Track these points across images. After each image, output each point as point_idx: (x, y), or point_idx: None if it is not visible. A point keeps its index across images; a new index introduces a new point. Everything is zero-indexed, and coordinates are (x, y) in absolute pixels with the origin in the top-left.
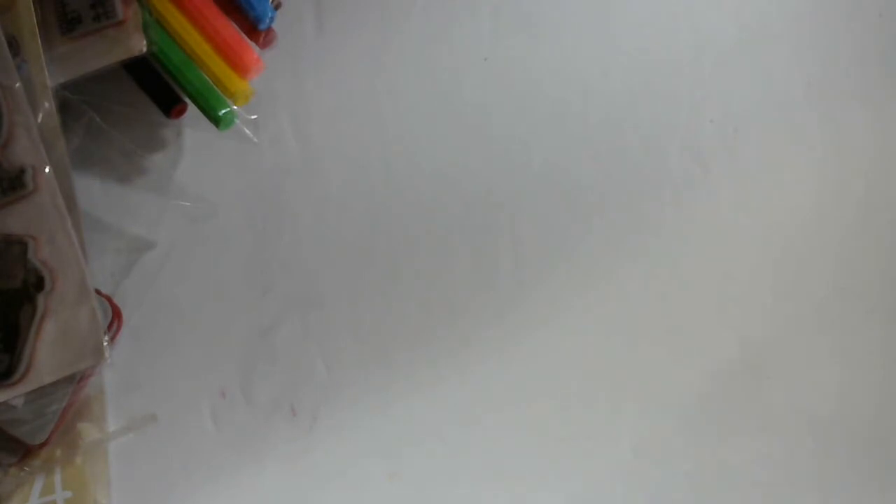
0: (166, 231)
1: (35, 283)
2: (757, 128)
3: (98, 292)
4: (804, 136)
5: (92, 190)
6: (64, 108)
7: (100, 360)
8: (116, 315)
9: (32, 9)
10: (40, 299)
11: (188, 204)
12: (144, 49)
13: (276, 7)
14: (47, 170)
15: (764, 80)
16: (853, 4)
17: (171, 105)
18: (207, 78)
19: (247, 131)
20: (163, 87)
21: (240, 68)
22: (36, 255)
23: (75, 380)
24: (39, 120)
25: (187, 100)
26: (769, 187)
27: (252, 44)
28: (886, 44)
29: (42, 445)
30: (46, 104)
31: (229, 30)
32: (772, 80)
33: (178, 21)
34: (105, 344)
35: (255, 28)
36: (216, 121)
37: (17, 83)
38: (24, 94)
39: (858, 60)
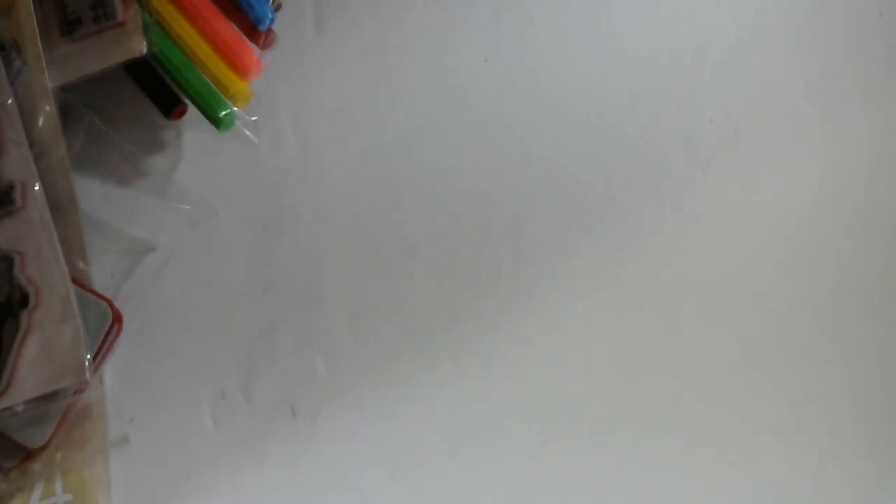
0: (167, 233)
1: (19, 300)
2: (757, 128)
3: (99, 294)
4: (804, 136)
5: (93, 192)
6: (65, 110)
7: (81, 379)
8: (117, 317)
9: (33, 11)
10: (24, 316)
11: (188, 206)
12: (144, 50)
13: (277, 8)
14: (37, 186)
15: (764, 80)
16: (853, 4)
17: (171, 107)
18: (207, 79)
19: (247, 132)
20: (163, 88)
21: (240, 70)
22: (22, 272)
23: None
24: (40, 123)
25: (187, 101)
26: (769, 187)
27: (252, 45)
28: (886, 44)
29: (42, 448)
30: (47, 107)
31: (229, 31)
32: (772, 80)
33: (178, 22)
34: (87, 363)
35: (255, 29)
36: (216, 122)
37: (9, 99)
38: (16, 110)
39: (858, 60)
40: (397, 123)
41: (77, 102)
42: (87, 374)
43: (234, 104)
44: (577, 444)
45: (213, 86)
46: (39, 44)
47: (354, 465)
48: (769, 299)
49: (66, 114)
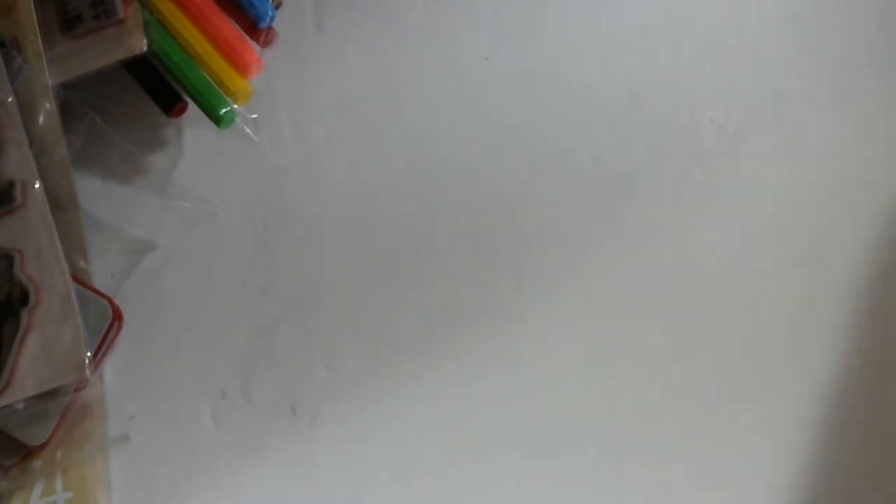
0: (167, 232)
1: (20, 298)
2: (757, 128)
3: (99, 293)
4: (804, 136)
5: (93, 191)
6: (65, 109)
7: (81, 376)
8: (117, 316)
9: (33, 9)
10: (24, 314)
11: (189, 205)
12: (145, 48)
13: (277, 6)
14: (37, 185)
15: (764, 80)
16: (853, 4)
17: (171, 104)
18: (208, 77)
19: (247, 130)
20: (163, 86)
21: (240, 67)
22: (22, 270)
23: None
24: (41, 121)
25: (188, 99)
26: (769, 187)
27: (253, 43)
28: (887, 43)
29: (43, 446)
30: (48, 105)
31: (230, 29)
32: (772, 81)
33: (178, 20)
34: (87, 361)
35: (255, 27)
36: (217, 120)
37: (10, 97)
38: (17, 108)
39: (859, 60)
40: (397, 122)
41: (77, 100)
42: (87, 372)
43: (235, 102)
44: (578, 443)
45: (213, 83)
46: (40, 41)
47: (354, 465)
48: (770, 299)
49: (67, 112)
